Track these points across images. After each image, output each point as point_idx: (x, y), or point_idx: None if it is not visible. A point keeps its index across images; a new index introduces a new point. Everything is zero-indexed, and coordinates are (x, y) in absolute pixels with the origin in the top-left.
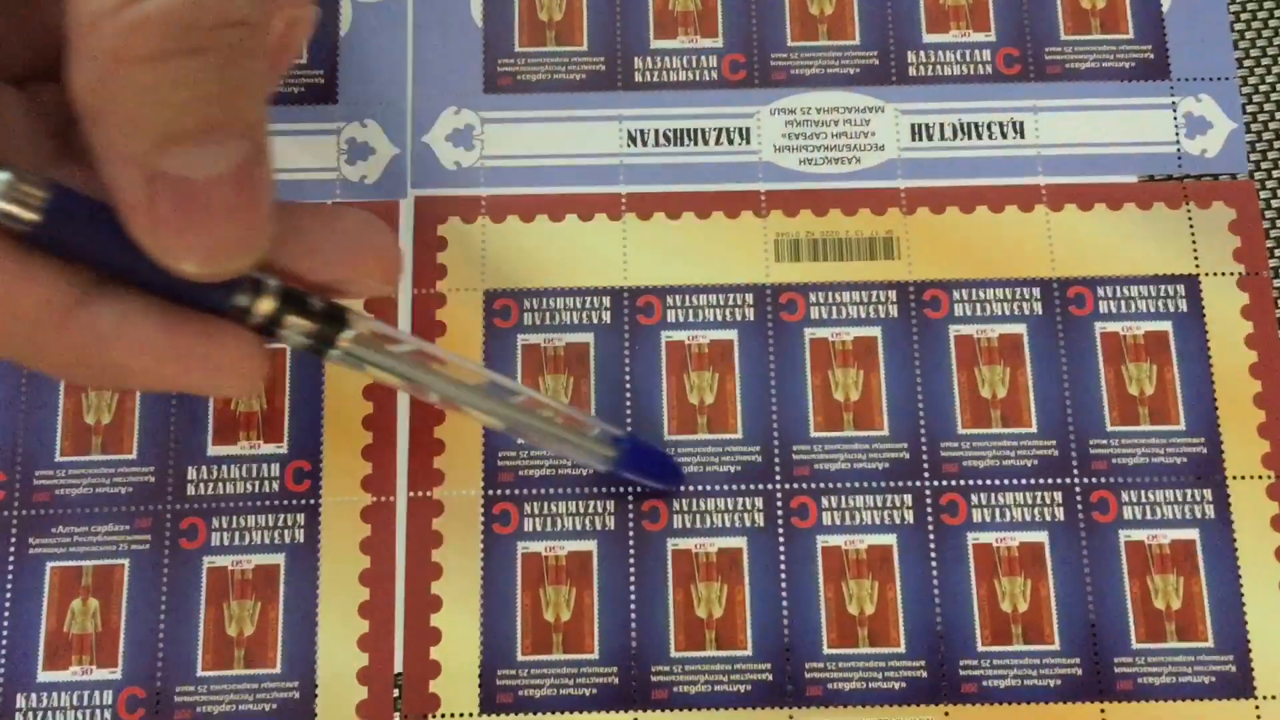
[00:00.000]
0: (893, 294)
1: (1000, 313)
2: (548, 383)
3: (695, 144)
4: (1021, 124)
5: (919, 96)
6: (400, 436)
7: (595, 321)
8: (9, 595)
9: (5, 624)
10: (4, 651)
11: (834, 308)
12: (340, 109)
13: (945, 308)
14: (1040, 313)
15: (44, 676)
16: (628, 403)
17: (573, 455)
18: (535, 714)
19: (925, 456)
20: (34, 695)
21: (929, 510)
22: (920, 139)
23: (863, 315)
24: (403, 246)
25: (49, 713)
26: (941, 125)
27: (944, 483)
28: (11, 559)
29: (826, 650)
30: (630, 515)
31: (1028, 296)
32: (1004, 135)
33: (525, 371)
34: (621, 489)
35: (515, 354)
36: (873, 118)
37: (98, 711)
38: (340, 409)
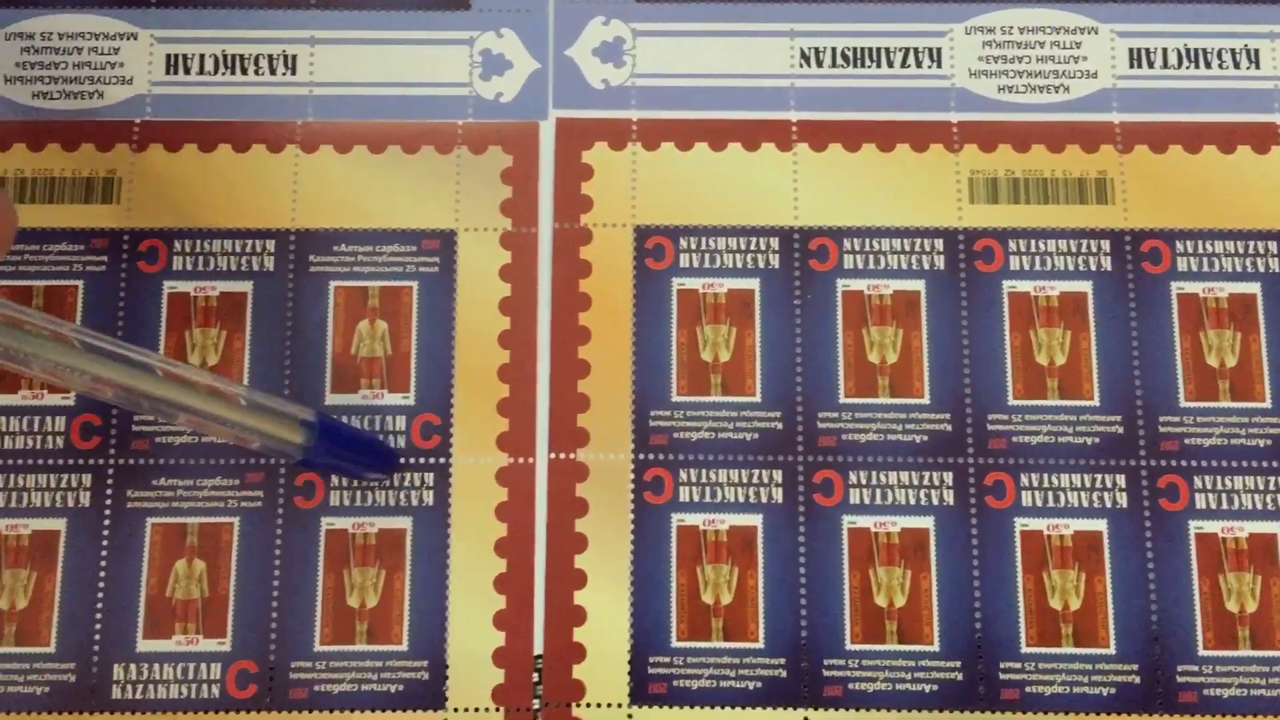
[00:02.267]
0: (1106, 244)
1: (1231, 269)
2: (706, 334)
3: (878, 65)
4: (1257, 52)
5: (1139, 16)
6: (540, 390)
7: (761, 265)
8: (105, 554)
9: (101, 586)
10: (99, 617)
11: (1037, 258)
12: (474, 16)
13: (1167, 261)
14: (1279, 270)
15: (144, 646)
16: (798, 358)
17: (248, 442)
18: (692, 707)
19: (1142, 432)
20: (133, 666)
21: (1145, 493)
22: (1139, 65)
23: (1070, 267)
24: (541, 175)
25: (150, 686)
26: (1164, 50)
27: (1162, 462)
28: (108, 513)
29: (1025, 649)
30: (800, 487)
31: (1263, 251)
32: (1236, 64)
33: (681, 320)
34: (779, 456)
35: (670, 299)
36: (1085, 40)
37: (204, 686)
38: (473, 357)
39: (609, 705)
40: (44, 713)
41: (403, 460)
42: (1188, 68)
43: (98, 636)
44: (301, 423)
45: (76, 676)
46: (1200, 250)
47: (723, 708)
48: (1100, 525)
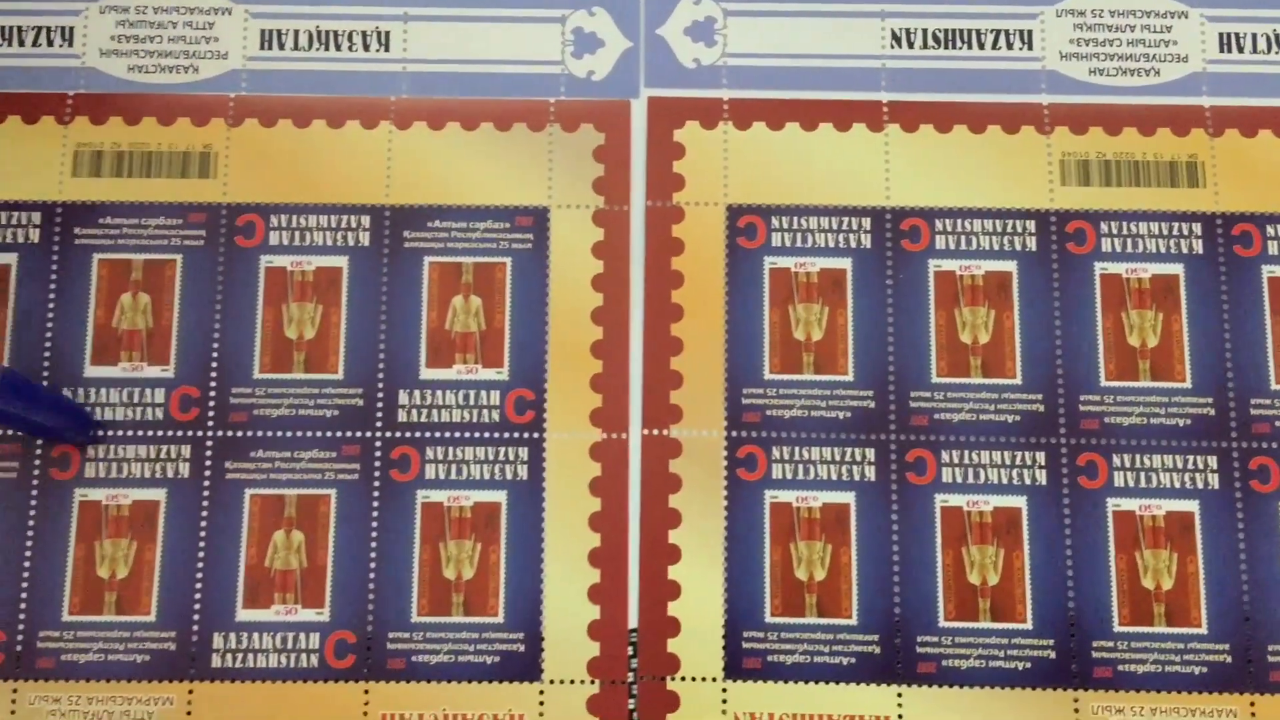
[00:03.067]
0: (1197, 227)
1: None
2: (799, 312)
3: (969, 47)
4: None
5: (1229, 0)
6: (633, 366)
7: (853, 245)
8: (204, 524)
9: (201, 556)
10: (199, 586)
11: (1129, 240)
12: None
13: (1258, 245)
14: None
15: (244, 615)
16: (890, 338)
17: None
18: (786, 682)
19: (1233, 414)
20: (233, 635)
21: (1236, 475)
22: (1229, 50)
23: (1162, 250)
24: (633, 153)
25: (250, 655)
26: (1254, 35)
27: (1254, 444)
28: (207, 484)
29: (1117, 628)
30: (893, 466)
31: None
32: None
33: (773, 298)
34: (872, 435)
35: (761, 277)
36: (1175, 24)
37: (303, 656)
38: (567, 333)
39: (703, 679)
40: (144, 680)
41: (498, 435)
42: (1277, 53)
43: (197, 605)
44: None
45: (177, 645)
46: None
47: (817, 683)
48: (1193, 506)
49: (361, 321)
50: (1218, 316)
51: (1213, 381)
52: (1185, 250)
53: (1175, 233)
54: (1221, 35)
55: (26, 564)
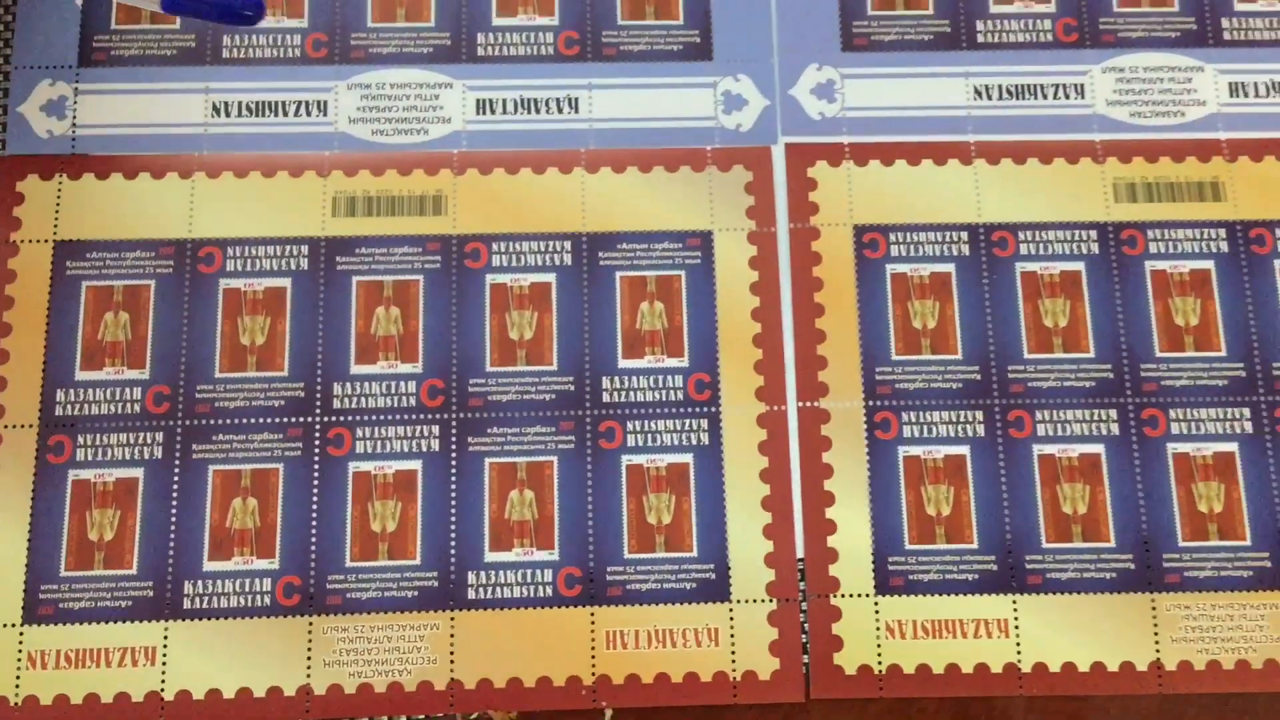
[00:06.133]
0: (1222, 232)
1: None
2: (915, 307)
3: (1034, 98)
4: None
5: (1238, 58)
6: (786, 353)
7: (955, 254)
8: (454, 486)
9: (453, 511)
10: (454, 534)
11: (1171, 243)
12: (716, 65)
13: (1270, 244)
14: None
15: (490, 557)
16: (989, 325)
17: None
18: (924, 595)
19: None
20: (483, 573)
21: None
22: (1238, 95)
23: (1197, 250)
24: (776, 187)
25: (497, 588)
26: (1257, 83)
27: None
28: (454, 456)
29: (1181, 543)
30: (998, 424)
31: None
32: None
33: (894, 297)
34: (980, 400)
35: (885, 281)
36: (1194, 76)
37: (539, 587)
38: (732, 328)
39: (859, 595)
40: (415, 611)
41: (683, 409)
42: (1274, 96)
43: (453, 549)
44: None
45: (438, 582)
46: None
47: (949, 595)
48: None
49: (569, 325)
50: (1243, 303)
51: (1242, 348)
52: (1214, 250)
53: (1205, 237)
54: (1230, 84)
55: (314, 523)
